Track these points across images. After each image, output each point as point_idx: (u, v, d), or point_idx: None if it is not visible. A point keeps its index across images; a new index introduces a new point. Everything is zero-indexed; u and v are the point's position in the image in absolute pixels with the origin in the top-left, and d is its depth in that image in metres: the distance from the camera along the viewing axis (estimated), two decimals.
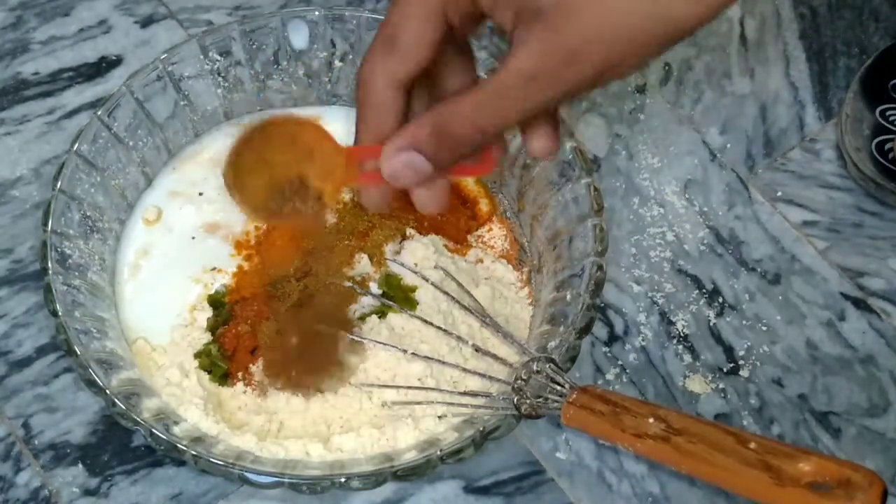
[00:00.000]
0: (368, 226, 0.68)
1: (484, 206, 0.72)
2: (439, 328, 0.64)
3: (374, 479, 0.58)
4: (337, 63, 0.72)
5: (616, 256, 0.72)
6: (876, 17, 0.81)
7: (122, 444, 0.65)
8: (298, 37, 0.71)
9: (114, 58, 0.78)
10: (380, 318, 0.65)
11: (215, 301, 0.67)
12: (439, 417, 0.62)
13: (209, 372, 0.65)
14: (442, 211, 0.56)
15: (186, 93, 0.70)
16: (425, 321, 0.64)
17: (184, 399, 0.62)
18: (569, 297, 0.63)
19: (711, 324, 0.70)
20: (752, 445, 0.54)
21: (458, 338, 0.64)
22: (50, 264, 0.62)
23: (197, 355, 0.65)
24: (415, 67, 0.51)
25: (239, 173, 0.55)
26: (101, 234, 0.66)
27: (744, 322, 0.70)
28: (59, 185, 0.64)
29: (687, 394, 0.68)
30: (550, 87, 0.48)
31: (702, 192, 0.74)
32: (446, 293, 0.65)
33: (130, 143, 0.68)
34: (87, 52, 0.78)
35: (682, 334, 0.70)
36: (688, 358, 0.69)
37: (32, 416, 0.66)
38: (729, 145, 0.76)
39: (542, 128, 0.54)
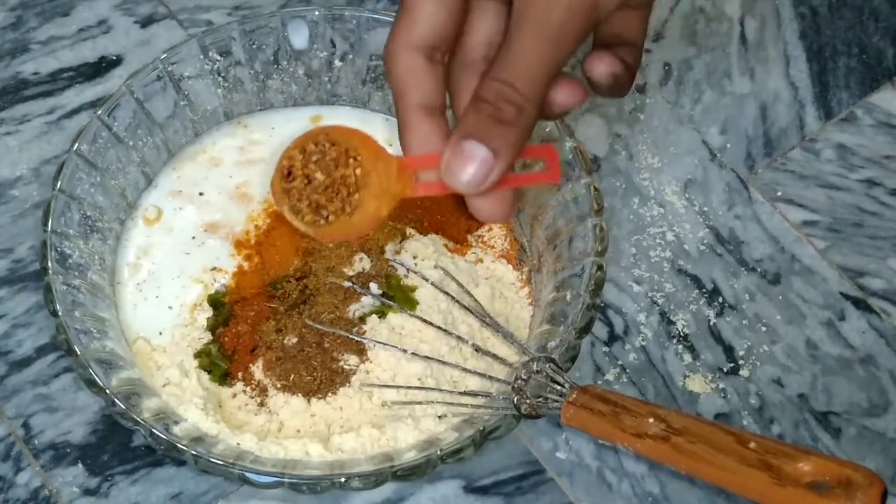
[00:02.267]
0: None
1: None
2: (439, 328, 0.64)
3: (374, 479, 0.58)
4: (337, 63, 0.72)
5: (616, 256, 0.72)
6: (876, 17, 0.81)
7: (122, 444, 0.65)
8: (298, 37, 0.71)
9: (114, 58, 0.78)
10: (380, 318, 0.65)
11: (215, 301, 0.67)
12: (439, 417, 0.62)
13: (209, 372, 0.65)
14: (506, 219, 0.53)
15: (186, 93, 0.70)
16: (425, 321, 0.64)
17: (184, 399, 0.62)
18: (569, 296, 0.63)
19: (711, 324, 0.70)
20: (752, 445, 0.54)
21: (458, 338, 0.64)
22: (50, 264, 0.62)
23: (197, 355, 0.65)
24: (433, 30, 0.50)
25: (288, 184, 0.52)
26: (101, 234, 0.66)
27: (744, 322, 0.70)
28: (59, 185, 0.64)
29: (687, 394, 0.68)
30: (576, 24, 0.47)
31: (702, 192, 0.74)
32: (446, 293, 0.65)
33: (130, 143, 0.68)
34: (87, 52, 0.78)
35: (682, 334, 0.70)
36: (688, 358, 0.69)
37: (32, 416, 0.66)
38: (729, 145, 0.76)
39: (564, 80, 0.52)
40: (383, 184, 0.50)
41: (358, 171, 0.50)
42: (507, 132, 0.48)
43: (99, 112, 0.66)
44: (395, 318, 0.65)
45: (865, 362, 0.69)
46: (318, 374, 0.64)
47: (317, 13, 0.70)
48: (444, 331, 0.64)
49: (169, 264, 0.68)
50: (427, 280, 0.65)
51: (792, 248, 0.73)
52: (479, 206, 0.52)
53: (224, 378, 0.65)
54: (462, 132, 0.48)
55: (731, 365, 0.69)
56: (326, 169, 0.51)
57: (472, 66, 0.52)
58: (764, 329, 0.70)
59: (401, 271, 0.66)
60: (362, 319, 0.65)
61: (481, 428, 0.59)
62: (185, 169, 0.71)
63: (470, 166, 0.48)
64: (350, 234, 0.53)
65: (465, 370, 0.64)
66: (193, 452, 0.57)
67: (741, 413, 0.67)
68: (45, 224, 0.63)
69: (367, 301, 0.65)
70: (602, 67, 0.53)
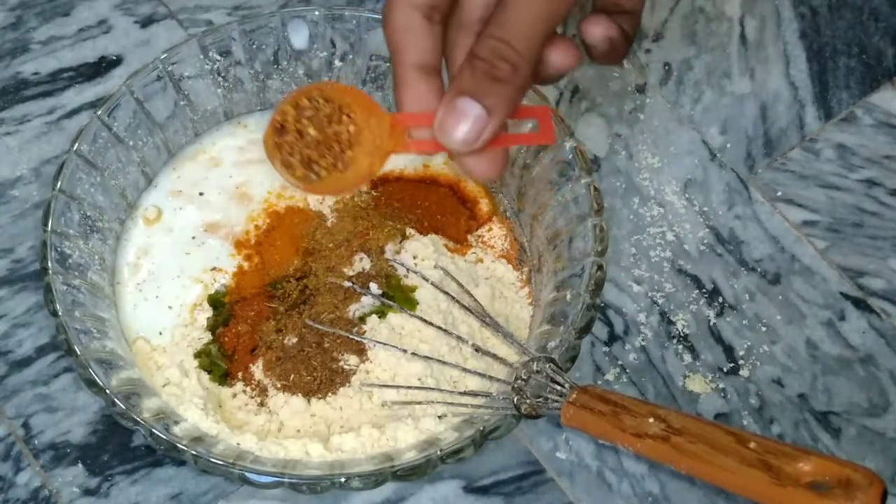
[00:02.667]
0: (368, 226, 0.68)
1: (484, 206, 0.72)
2: (439, 328, 0.64)
3: (374, 479, 0.58)
4: (337, 63, 0.72)
5: (616, 256, 0.72)
6: (876, 17, 0.81)
7: (122, 444, 0.65)
8: (298, 37, 0.71)
9: (114, 58, 0.78)
10: (380, 318, 0.65)
11: (215, 301, 0.67)
12: (439, 417, 0.62)
13: (209, 372, 0.65)
14: (498, 178, 0.53)
15: (186, 93, 0.70)
16: (425, 321, 0.64)
17: (184, 399, 0.62)
18: (569, 296, 0.63)
19: (711, 324, 0.70)
20: (752, 445, 0.54)
21: (458, 338, 0.64)
22: (50, 264, 0.62)
23: (197, 355, 0.65)
24: None
25: (280, 139, 0.53)
26: (101, 234, 0.66)
27: (744, 322, 0.70)
28: (59, 185, 0.64)
29: (687, 394, 0.68)
30: None
31: (702, 192, 0.74)
32: (446, 293, 0.65)
33: (130, 143, 0.68)
34: (87, 52, 0.78)
35: (682, 334, 0.70)
36: (688, 358, 0.69)
37: (32, 416, 0.66)
38: (729, 145, 0.76)
39: (559, 41, 0.52)
40: (376, 141, 0.50)
41: (351, 129, 0.51)
42: (501, 90, 0.48)
43: (99, 112, 0.66)
44: (395, 318, 0.65)
45: (865, 362, 0.69)
46: (318, 374, 0.64)
47: (317, 13, 0.70)
48: (444, 331, 0.64)
49: (169, 264, 0.68)
50: (427, 280, 0.65)
51: (792, 248, 0.73)
52: (472, 165, 0.51)
53: (224, 378, 0.65)
54: (456, 89, 0.48)
55: (731, 365, 0.69)
56: (319, 125, 0.51)
57: (469, 27, 0.52)
58: (764, 329, 0.70)
59: (401, 271, 0.66)
60: (362, 319, 0.65)
61: (481, 428, 0.59)
62: (185, 169, 0.71)
63: (463, 124, 0.48)
64: (341, 190, 0.53)
65: (465, 370, 0.64)
66: (193, 452, 0.57)
67: (741, 413, 0.67)
68: (45, 224, 0.63)
69: (367, 301, 0.65)
70: (598, 31, 0.53)
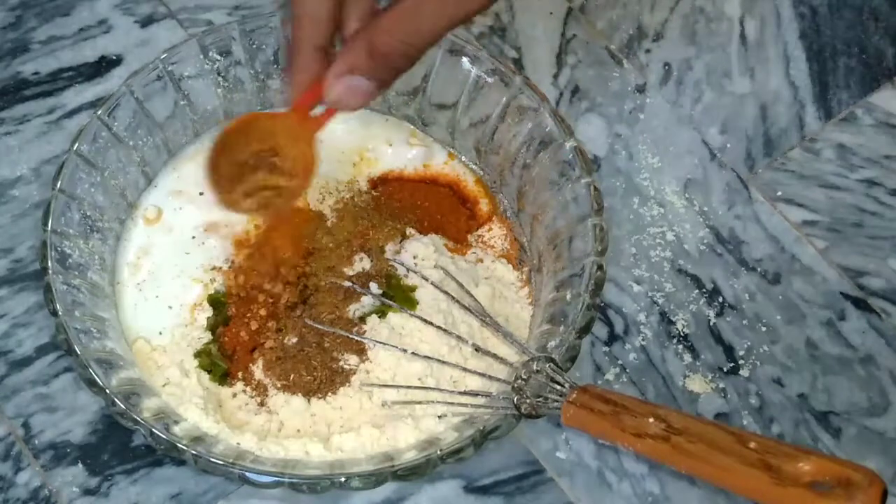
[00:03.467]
0: (368, 226, 0.68)
1: (484, 206, 0.72)
2: (439, 328, 0.64)
3: (374, 479, 0.58)
4: None
5: (616, 256, 0.72)
6: (876, 17, 0.81)
7: (122, 443, 0.65)
8: None
9: (114, 57, 0.78)
10: (380, 317, 0.65)
11: (215, 301, 0.67)
12: (439, 417, 0.62)
13: (209, 372, 0.65)
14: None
15: (186, 92, 0.70)
16: (425, 321, 0.64)
17: (184, 399, 0.62)
18: (569, 296, 0.63)
19: (711, 323, 0.70)
20: (752, 445, 0.54)
21: (458, 337, 0.64)
22: (50, 264, 0.62)
23: (197, 355, 0.65)
24: None
25: (217, 172, 0.59)
26: (101, 234, 0.66)
27: (744, 322, 0.70)
28: (59, 185, 0.64)
29: (687, 394, 0.68)
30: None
31: (702, 192, 0.74)
32: (446, 293, 0.65)
33: (130, 143, 0.68)
34: (87, 51, 0.78)
35: (682, 334, 0.70)
36: (688, 358, 0.69)
37: (32, 415, 0.66)
38: (729, 145, 0.76)
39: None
40: (291, 138, 0.57)
41: (286, 163, 0.58)
42: (383, 64, 0.53)
43: (99, 112, 0.66)
44: (395, 318, 0.65)
45: (865, 362, 0.69)
46: (318, 373, 0.64)
47: None
48: (444, 331, 0.64)
49: (169, 264, 0.68)
50: (427, 280, 0.65)
51: (792, 248, 0.73)
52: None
53: (224, 378, 0.65)
54: (347, 67, 0.53)
55: (731, 365, 0.69)
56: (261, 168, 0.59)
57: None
58: (764, 329, 0.70)
59: (401, 271, 0.66)
60: (362, 319, 0.65)
61: (481, 428, 0.59)
62: (185, 169, 0.71)
63: (359, 97, 0.54)
64: (285, 211, 0.62)
65: (465, 370, 0.64)
66: (193, 452, 0.57)
67: (741, 413, 0.67)
68: (45, 224, 0.63)
69: (367, 301, 0.65)
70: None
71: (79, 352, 0.59)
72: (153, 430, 0.58)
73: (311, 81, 0.56)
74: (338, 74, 0.54)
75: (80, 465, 0.65)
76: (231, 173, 0.60)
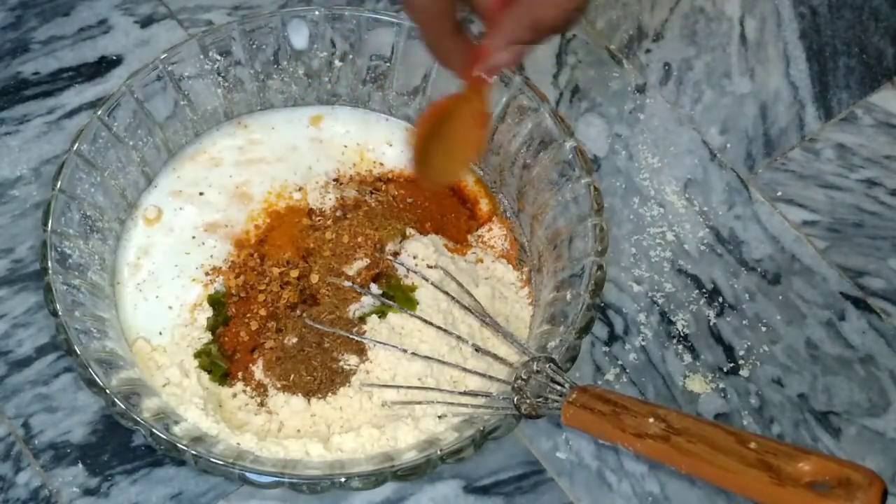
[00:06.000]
0: (368, 226, 0.68)
1: (484, 206, 0.72)
2: (439, 328, 0.64)
3: (374, 479, 0.58)
4: (337, 63, 0.72)
5: (616, 256, 0.72)
6: (876, 17, 0.81)
7: (122, 443, 0.65)
8: (298, 36, 0.71)
9: (114, 58, 0.78)
10: (380, 318, 0.65)
11: (215, 301, 0.67)
12: (439, 417, 0.62)
13: (209, 372, 0.65)
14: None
15: (186, 92, 0.70)
16: (425, 321, 0.64)
17: (184, 399, 0.62)
18: (569, 296, 0.63)
19: (711, 324, 0.70)
20: (752, 445, 0.54)
21: (458, 338, 0.64)
22: (50, 264, 0.62)
23: (197, 355, 0.65)
24: None
25: (423, 156, 0.62)
26: (101, 234, 0.66)
27: (744, 322, 0.70)
28: (59, 185, 0.64)
29: (687, 394, 0.68)
30: None
31: (702, 192, 0.74)
32: (446, 293, 0.65)
33: (130, 143, 0.68)
34: (87, 52, 0.78)
35: (682, 334, 0.70)
36: (688, 358, 0.69)
37: (32, 415, 0.66)
38: (729, 145, 0.76)
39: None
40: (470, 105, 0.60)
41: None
42: (542, 32, 0.57)
43: (99, 112, 0.66)
44: (395, 318, 0.65)
45: (865, 362, 0.69)
46: (318, 374, 0.64)
47: (317, 13, 0.70)
48: (444, 331, 0.64)
49: (169, 264, 0.68)
50: (427, 280, 0.65)
51: (792, 248, 0.73)
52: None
53: (224, 378, 0.65)
54: (512, 38, 0.57)
55: (731, 365, 0.69)
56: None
57: None
58: (764, 329, 0.70)
59: (401, 271, 0.66)
60: (362, 319, 0.65)
61: (481, 428, 0.59)
62: (185, 169, 0.71)
63: (516, 61, 0.59)
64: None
65: (465, 370, 0.64)
66: (193, 452, 0.57)
67: (741, 413, 0.67)
68: (45, 224, 0.63)
69: (367, 301, 0.65)
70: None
71: (79, 352, 0.59)
72: (153, 430, 0.58)
73: (469, 58, 0.59)
74: (501, 46, 0.57)
75: (80, 465, 0.65)
76: (435, 157, 0.62)
